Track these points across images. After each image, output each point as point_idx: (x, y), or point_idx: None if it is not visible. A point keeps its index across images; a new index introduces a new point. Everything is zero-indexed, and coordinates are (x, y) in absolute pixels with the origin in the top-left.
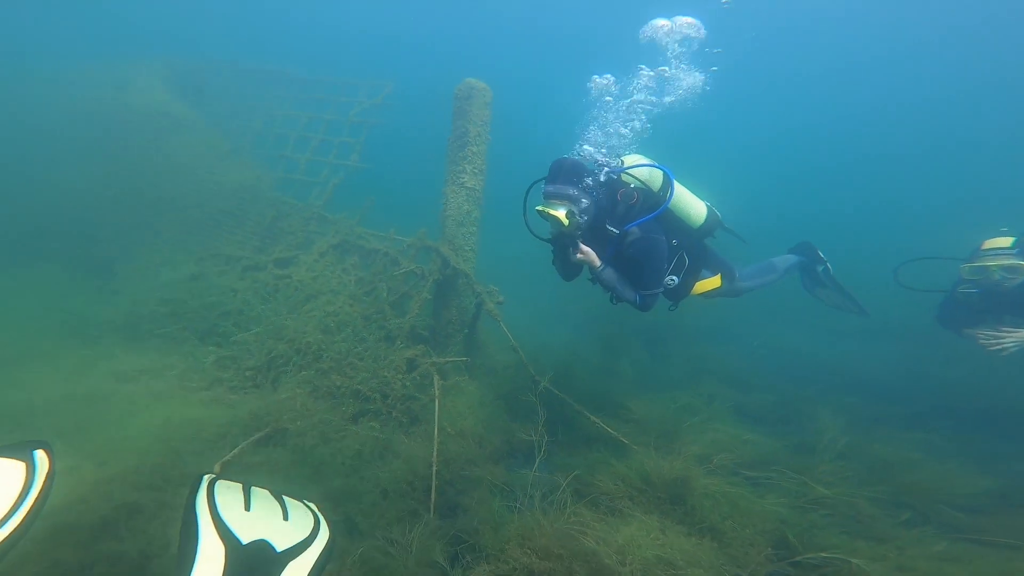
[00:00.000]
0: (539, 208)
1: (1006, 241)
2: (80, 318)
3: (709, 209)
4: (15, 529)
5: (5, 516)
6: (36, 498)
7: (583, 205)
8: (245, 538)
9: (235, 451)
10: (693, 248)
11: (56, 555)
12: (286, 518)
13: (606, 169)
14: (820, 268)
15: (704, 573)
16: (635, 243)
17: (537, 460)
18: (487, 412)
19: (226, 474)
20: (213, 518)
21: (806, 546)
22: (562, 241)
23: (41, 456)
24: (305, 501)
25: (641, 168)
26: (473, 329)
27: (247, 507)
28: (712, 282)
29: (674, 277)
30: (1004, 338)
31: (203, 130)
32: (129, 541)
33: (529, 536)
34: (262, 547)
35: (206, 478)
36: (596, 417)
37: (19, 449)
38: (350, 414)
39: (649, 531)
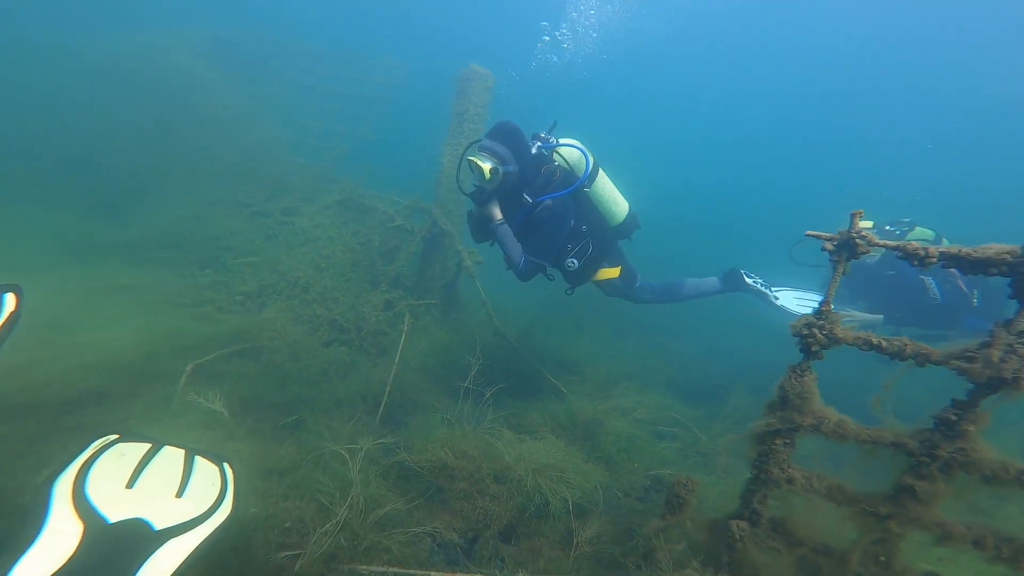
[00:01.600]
0: (470, 157)
1: (868, 223)
2: (91, 240)
3: (631, 212)
4: None
5: None
6: None
7: (509, 168)
8: (113, 517)
9: (209, 357)
10: (601, 240)
11: (21, 426)
12: (181, 494)
13: (539, 143)
14: (752, 294)
15: (583, 480)
16: (544, 211)
17: (486, 396)
18: (449, 356)
19: (133, 432)
20: (75, 496)
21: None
22: (479, 196)
23: (10, 298)
24: (223, 465)
25: (572, 149)
26: (452, 286)
27: (130, 483)
28: (611, 272)
29: (575, 260)
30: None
31: (225, 92)
32: (91, 421)
33: (451, 441)
34: (135, 525)
35: (95, 444)
36: (540, 365)
37: None
38: (324, 340)
39: (554, 449)
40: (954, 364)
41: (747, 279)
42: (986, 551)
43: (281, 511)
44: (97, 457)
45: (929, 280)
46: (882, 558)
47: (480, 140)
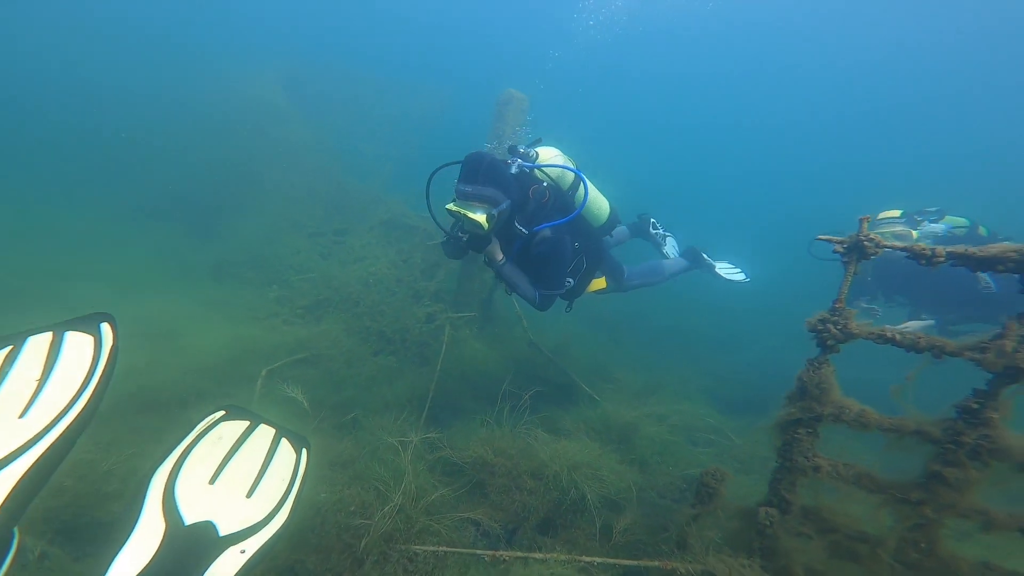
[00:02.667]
0: (452, 207)
1: (895, 212)
2: (186, 260)
3: (612, 208)
4: (90, 398)
5: (81, 387)
6: (104, 369)
7: (503, 206)
8: (190, 518)
9: (279, 363)
10: (592, 250)
11: (141, 420)
12: (249, 495)
13: (519, 162)
14: (715, 270)
15: (617, 478)
16: (543, 243)
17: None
18: (487, 366)
19: (236, 408)
20: (165, 493)
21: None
22: (476, 243)
23: (106, 328)
24: (302, 451)
25: (554, 167)
26: (489, 300)
27: (213, 478)
28: (599, 283)
29: (571, 280)
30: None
31: (293, 121)
32: (196, 416)
33: (490, 440)
34: (205, 529)
35: (202, 424)
36: (573, 374)
37: (86, 322)
38: (373, 349)
39: (587, 449)
40: (968, 355)
41: (704, 255)
42: None
43: (346, 496)
44: (198, 441)
45: (986, 275)
46: (922, 545)
47: (459, 188)
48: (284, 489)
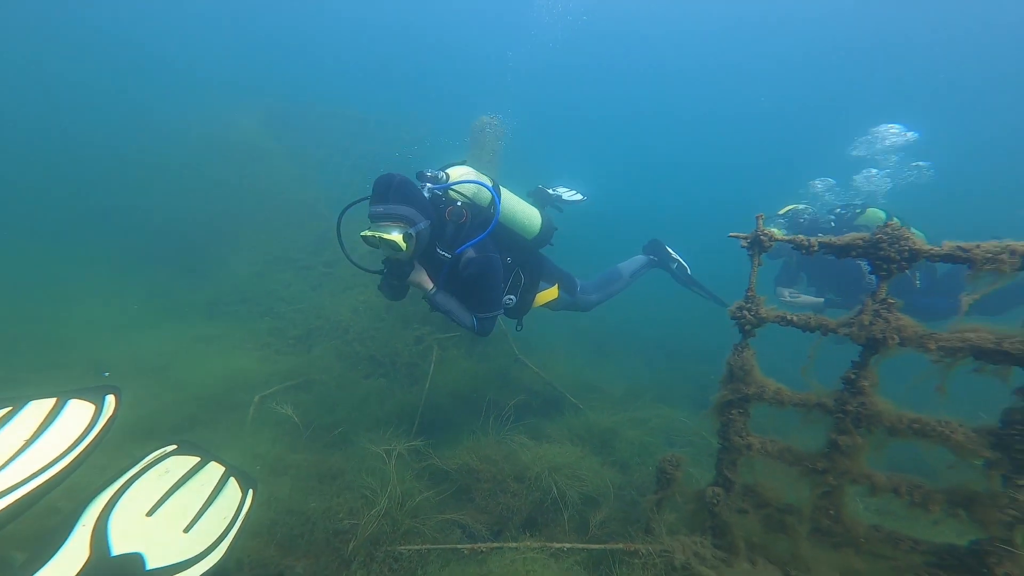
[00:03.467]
0: (367, 233)
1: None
2: (176, 301)
3: (544, 217)
4: (70, 462)
5: (64, 452)
6: (95, 436)
7: (421, 226)
8: (118, 548)
9: (271, 390)
10: (528, 262)
11: (136, 448)
12: (187, 529)
13: (428, 185)
14: (674, 266)
15: (596, 478)
16: (470, 264)
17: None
18: (475, 381)
19: (188, 443)
20: (98, 521)
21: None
22: (399, 270)
23: (110, 400)
24: (248, 492)
25: (467, 185)
26: None
27: (152, 510)
28: (550, 293)
29: (511, 296)
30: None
31: (280, 159)
32: (194, 439)
33: (476, 447)
34: (132, 561)
35: (150, 456)
36: (557, 386)
37: (94, 392)
38: (364, 373)
39: (568, 452)
40: (843, 331)
41: (667, 248)
42: (902, 497)
43: (335, 505)
44: (144, 473)
45: (864, 263)
46: (831, 512)
47: (371, 210)
48: (224, 527)
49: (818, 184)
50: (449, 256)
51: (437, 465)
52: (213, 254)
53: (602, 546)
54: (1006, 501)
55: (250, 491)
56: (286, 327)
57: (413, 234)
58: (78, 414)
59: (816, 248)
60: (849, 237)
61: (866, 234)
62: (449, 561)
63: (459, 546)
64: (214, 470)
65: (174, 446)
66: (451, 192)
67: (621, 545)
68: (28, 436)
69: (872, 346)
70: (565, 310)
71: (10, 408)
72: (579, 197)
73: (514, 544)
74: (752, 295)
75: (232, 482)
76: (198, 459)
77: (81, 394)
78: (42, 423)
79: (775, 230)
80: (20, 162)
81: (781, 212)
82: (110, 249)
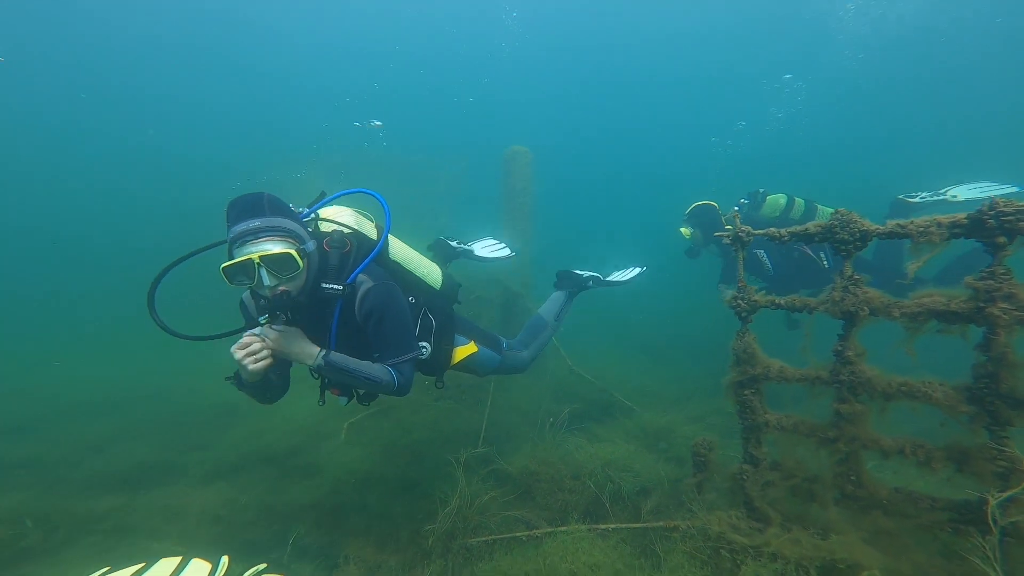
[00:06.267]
0: (241, 259)
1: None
2: None
3: (444, 272)
4: None
5: None
6: None
7: (310, 245)
8: None
9: (357, 417)
10: (435, 306)
11: (264, 469)
12: None
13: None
14: (590, 284)
15: (649, 471)
16: (369, 295)
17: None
18: (533, 395)
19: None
20: None
21: None
22: (278, 302)
23: (224, 560)
24: None
25: (338, 208)
26: None
27: None
28: (467, 348)
29: (425, 344)
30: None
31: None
32: (301, 462)
33: (535, 452)
34: None
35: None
36: (611, 390)
37: (213, 557)
38: (434, 397)
39: (620, 449)
40: (822, 308)
41: (577, 271)
42: (907, 458)
43: (415, 508)
44: None
45: (761, 253)
46: (852, 477)
47: (240, 227)
48: None
49: None
50: (340, 288)
51: (501, 470)
52: None
53: (643, 524)
54: (995, 453)
55: None
56: None
57: (304, 250)
58: (197, 570)
59: (787, 239)
60: (812, 225)
61: (823, 222)
62: (512, 548)
63: (518, 534)
64: None
65: (264, 564)
66: (322, 222)
67: (661, 523)
68: None
69: (849, 319)
70: (496, 374)
71: (143, 564)
72: (506, 253)
73: (564, 528)
74: (743, 285)
75: None
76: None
77: (202, 555)
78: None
79: (685, 229)
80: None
81: (688, 212)
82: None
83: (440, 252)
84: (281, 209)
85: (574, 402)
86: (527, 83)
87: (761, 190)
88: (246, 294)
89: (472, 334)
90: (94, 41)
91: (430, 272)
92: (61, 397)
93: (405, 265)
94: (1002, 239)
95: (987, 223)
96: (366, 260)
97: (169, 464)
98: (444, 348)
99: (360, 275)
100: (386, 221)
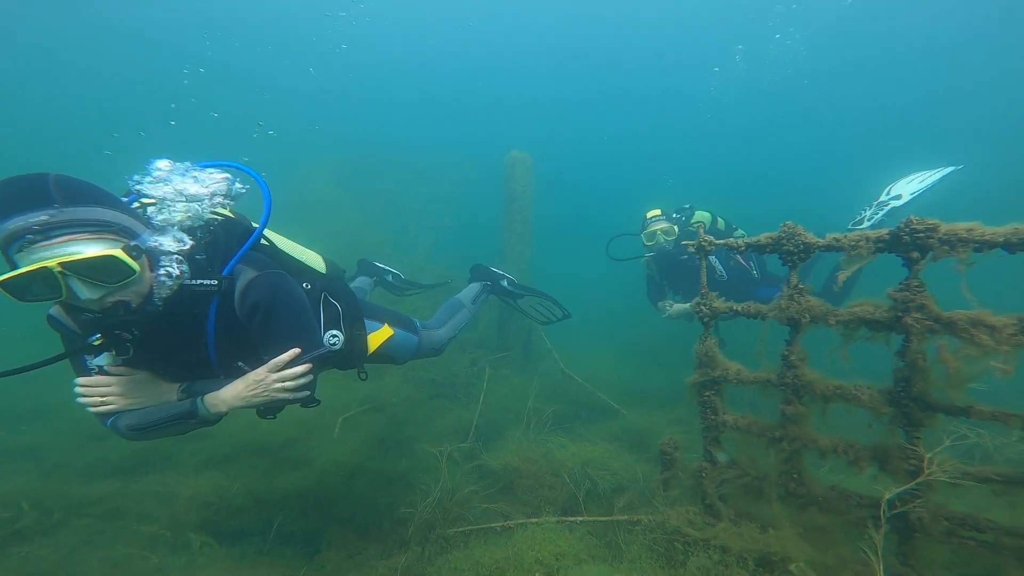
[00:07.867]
0: (31, 268)
1: (657, 210)
2: None
3: (325, 258)
4: None
5: None
6: None
7: (147, 240)
8: None
9: (351, 413)
10: (336, 290)
11: (256, 460)
12: None
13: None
14: (504, 283)
15: (626, 470)
16: (253, 288)
17: (546, 413)
18: (524, 395)
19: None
20: None
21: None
22: (113, 319)
23: None
24: None
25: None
26: (527, 343)
27: None
28: (383, 333)
29: (336, 332)
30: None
31: (348, 209)
32: (293, 454)
33: (519, 449)
34: None
35: None
36: (599, 392)
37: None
38: (428, 394)
39: (601, 449)
40: (772, 315)
41: (491, 268)
42: (839, 457)
43: (398, 500)
44: None
45: (714, 259)
46: (795, 475)
47: (12, 229)
48: None
49: None
50: (215, 284)
51: (485, 466)
52: None
53: (609, 518)
54: (908, 452)
55: None
56: None
57: (140, 247)
58: None
59: (744, 248)
60: (763, 237)
61: (773, 233)
62: (487, 538)
63: (493, 525)
64: None
65: None
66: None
67: (625, 517)
68: None
69: (793, 325)
70: (415, 358)
71: None
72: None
73: (536, 520)
74: (705, 291)
75: None
76: None
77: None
78: None
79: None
80: None
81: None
82: None
83: (364, 271)
84: (85, 195)
85: (563, 403)
86: (527, 83)
87: (687, 206)
88: (54, 308)
89: (383, 316)
90: None
91: (313, 257)
92: (62, 388)
93: (287, 251)
94: (915, 254)
95: (903, 239)
96: (243, 248)
97: (165, 453)
98: (357, 335)
99: (238, 264)
100: (265, 200)
